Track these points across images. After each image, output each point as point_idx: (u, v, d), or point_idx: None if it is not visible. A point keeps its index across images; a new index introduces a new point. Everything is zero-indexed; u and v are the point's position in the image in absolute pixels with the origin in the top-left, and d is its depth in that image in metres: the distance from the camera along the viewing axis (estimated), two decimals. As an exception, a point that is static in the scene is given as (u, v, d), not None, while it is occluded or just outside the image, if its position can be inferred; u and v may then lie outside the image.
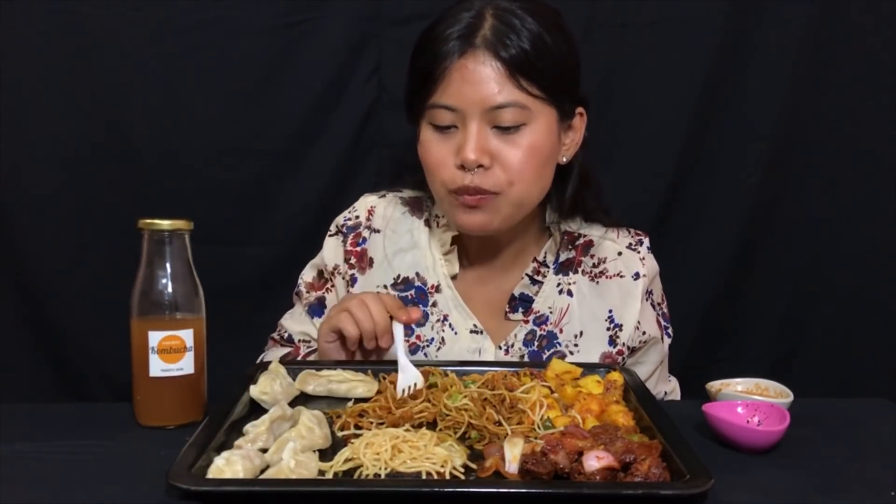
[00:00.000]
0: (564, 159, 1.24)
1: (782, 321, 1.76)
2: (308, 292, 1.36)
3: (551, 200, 1.30)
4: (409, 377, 1.07)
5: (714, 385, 1.09)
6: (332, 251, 1.35)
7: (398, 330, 1.14)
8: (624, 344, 1.28)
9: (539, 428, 0.94)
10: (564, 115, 1.21)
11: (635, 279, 1.29)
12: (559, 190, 1.28)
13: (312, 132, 1.63)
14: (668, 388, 1.39)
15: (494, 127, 1.14)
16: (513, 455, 0.83)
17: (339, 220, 1.37)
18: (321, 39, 1.59)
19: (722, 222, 1.71)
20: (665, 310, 1.38)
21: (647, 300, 1.31)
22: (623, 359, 1.28)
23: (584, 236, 1.33)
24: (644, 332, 1.29)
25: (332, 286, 1.35)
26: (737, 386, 1.09)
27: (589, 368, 1.12)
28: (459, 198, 1.17)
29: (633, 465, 0.81)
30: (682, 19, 1.62)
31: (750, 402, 1.00)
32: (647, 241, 1.35)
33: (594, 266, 1.31)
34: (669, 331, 1.37)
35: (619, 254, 1.31)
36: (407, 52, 1.36)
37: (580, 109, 1.24)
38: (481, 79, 1.12)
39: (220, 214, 1.59)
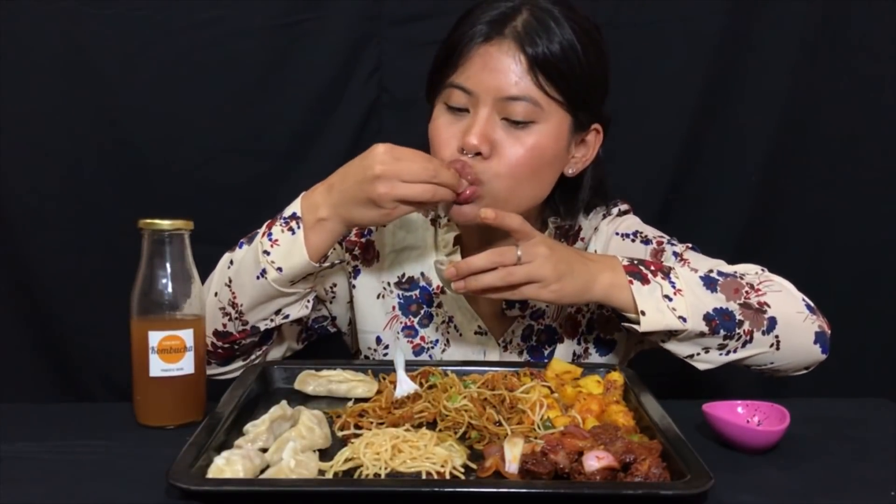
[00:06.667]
0: (570, 171, 1.21)
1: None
2: None
3: (552, 204, 1.26)
4: (404, 390, 1.05)
5: None
6: None
7: (399, 358, 1.12)
8: None
9: (539, 428, 0.94)
10: (579, 126, 1.18)
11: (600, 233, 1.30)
12: (564, 199, 1.25)
13: (312, 132, 1.63)
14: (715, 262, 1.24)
15: (504, 119, 1.12)
16: (513, 455, 0.83)
17: None
18: (321, 39, 1.59)
19: (722, 222, 1.71)
20: (662, 238, 1.28)
21: (636, 241, 1.27)
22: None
23: (573, 226, 1.30)
24: None
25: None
26: None
27: (589, 368, 1.12)
28: None
29: (633, 465, 0.81)
30: (683, 19, 1.63)
31: (750, 402, 1.00)
32: (622, 206, 1.32)
33: (582, 246, 1.30)
34: (675, 240, 1.27)
35: (596, 229, 1.30)
36: (407, 52, 1.36)
37: (597, 126, 1.20)
38: (501, 67, 1.11)
39: (220, 214, 1.58)
